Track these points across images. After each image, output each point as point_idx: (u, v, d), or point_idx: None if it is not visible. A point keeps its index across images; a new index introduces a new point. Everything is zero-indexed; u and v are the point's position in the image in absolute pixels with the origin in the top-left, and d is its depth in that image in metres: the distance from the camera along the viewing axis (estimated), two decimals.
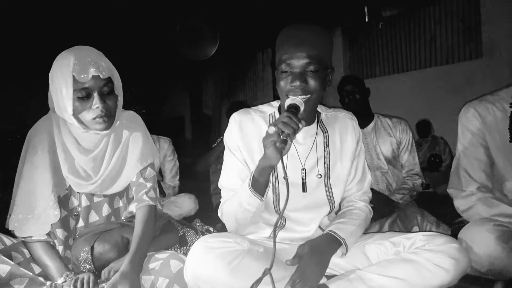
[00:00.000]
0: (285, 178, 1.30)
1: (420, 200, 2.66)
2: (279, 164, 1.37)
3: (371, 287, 1.29)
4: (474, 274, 1.50)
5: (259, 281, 1.22)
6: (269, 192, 1.45)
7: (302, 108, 1.36)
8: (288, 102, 1.38)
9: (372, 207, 2.47)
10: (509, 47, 4.63)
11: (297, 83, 1.38)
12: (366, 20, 5.34)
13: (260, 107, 1.61)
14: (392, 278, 1.29)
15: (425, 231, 2.15)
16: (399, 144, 2.64)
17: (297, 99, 1.37)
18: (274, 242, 1.23)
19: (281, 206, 1.48)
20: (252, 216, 1.43)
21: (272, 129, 1.26)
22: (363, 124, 2.69)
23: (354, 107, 2.63)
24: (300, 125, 1.29)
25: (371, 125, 2.70)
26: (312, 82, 1.39)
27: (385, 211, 2.46)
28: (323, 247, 1.38)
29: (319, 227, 1.56)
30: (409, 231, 2.23)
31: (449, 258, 1.29)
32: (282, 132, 1.25)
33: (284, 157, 1.48)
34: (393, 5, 5.29)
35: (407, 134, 2.65)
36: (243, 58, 7.80)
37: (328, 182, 1.53)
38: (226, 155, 1.56)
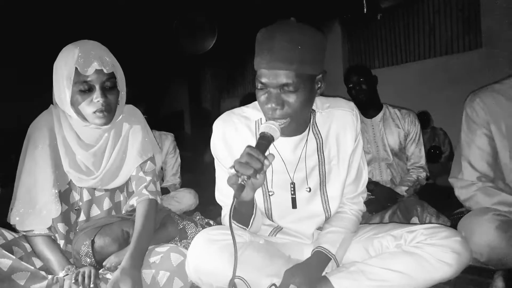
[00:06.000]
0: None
1: (420, 191, 2.66)
2: (268, 178, 1.35)
3: (372, 280, 1.27)
4: (474, 264, 1.50)
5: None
6: (261, 203, 1.43)
7: (276, 137, 1.22)
8: (261, 129, 1.23)
9: (373, 199, 2.49)
10: (509, 37, 4.61)
11: (272, 105, 1.21)
12: (365, 12, 5.31)
13: (246, 110, 1.45)
14: (394, 271, 1.27)
15: (425, 222, 2.15)
16: (407, 135, 2.63)
17: (273, 127, 1.21)
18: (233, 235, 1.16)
19: (274, 216, 1.45)
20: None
21: (231, 171, 1.13)
22: (371, 114, 2.68)
23: (362, 98, 2.60)
24: (266, 162, 1.14)
25: (380, 115, 2.67)
26: (291, 103, 1.22)
27: (387, 204, 2.46)
28: (314, 272, 1.32)
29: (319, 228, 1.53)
30: (408, 222, 2.23)
31: (452, 252, 1.27)
32: (241, 175, 1.11)
33: (269, 174, 1.39)
34: None
35: (415, 126, 2.64)
36: (242, 51, 7.76)
37: (325, 192, 1.44)
38: (216, 166, 1.47)
